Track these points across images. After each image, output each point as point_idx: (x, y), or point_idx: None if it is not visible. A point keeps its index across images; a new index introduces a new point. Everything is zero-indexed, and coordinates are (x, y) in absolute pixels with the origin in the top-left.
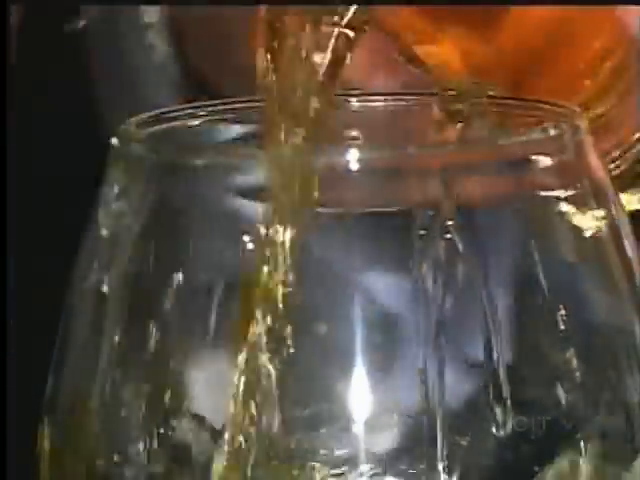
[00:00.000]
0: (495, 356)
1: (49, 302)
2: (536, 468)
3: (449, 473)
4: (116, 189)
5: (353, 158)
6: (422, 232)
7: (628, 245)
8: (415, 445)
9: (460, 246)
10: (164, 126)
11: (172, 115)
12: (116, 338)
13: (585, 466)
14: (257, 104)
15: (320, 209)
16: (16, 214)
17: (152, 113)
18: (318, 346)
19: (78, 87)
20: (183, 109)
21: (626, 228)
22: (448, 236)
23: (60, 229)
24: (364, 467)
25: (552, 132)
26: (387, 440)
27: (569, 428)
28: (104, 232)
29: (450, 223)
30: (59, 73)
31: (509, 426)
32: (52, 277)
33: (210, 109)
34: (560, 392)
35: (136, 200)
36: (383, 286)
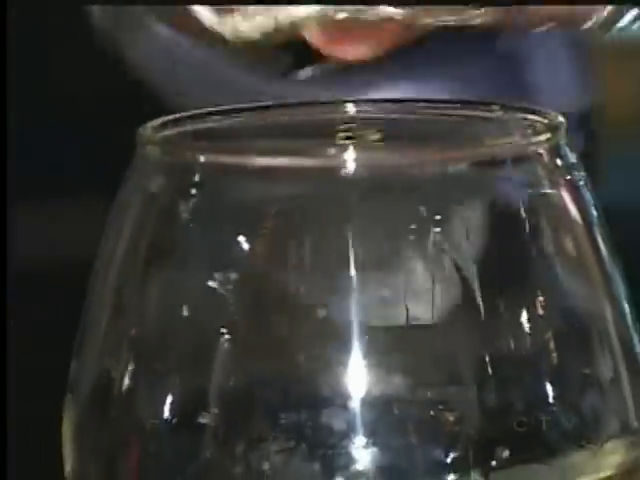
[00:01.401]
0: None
1: (49, 301)
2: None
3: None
4: (136, 186)
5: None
6: (412, 227)
7: (600, 239)
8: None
9: (444, 248)
10: (181, 129)
11: (188, 117)
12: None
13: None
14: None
15: None
16: (16, 214)
17: (170, 117)
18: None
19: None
20: (199, 113)
21: (601, 223)
22: (437, 230)
23: (61, 228)
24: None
25: (539, 136)
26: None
27: (548, 404)
28: (125, 225)
29: (437, 218)
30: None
31: (492, 400)
32: (51, 277)
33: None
34: (539, 372)
35: (154, 196)
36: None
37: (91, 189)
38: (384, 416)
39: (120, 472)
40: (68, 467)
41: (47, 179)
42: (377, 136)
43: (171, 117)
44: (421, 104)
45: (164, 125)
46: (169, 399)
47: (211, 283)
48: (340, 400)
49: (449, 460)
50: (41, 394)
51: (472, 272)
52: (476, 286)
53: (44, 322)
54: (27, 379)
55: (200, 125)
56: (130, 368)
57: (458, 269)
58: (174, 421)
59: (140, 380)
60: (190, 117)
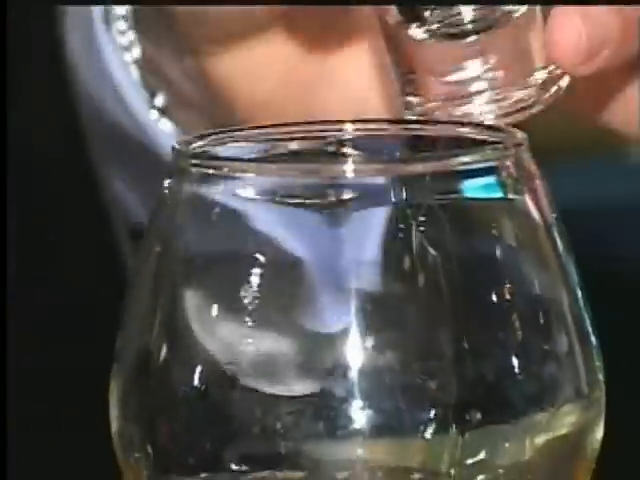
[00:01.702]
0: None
1: (49, 302)
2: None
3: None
4: (170, 193)
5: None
6: (401, 226)
7: (557, 237)
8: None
9: (428, 243)
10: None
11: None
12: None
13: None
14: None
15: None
16: (16, 214)
17: (198, 134)
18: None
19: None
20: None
21: (558, 224)
22: (421, 229)
23: (59, 229)
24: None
25: (506, 151)
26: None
27: (514, 374)
28: (161, 227)
29: (421, 219)
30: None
31: (467, 371)
32: (51, 276)
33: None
34: (506, 351)
35: (186, 202)
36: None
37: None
38: (377, 384)
39: (158, 434)
40: (114, 429)
41: (47, 179)
42: (372, 150)
43: (199, 134)
44: (410, 125)
45: (194, 141)
46: (198, 369)
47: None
48: (341, 370)
49: (431, 421)
50: (41, 394)
51: (452, 264)
52: (455, 276)
53: (44, 322)
54: (27, 379)
55: (224, 142)
56: (164, 343)
57: (439, 262)
58: (203, 388)
59: (173, 353)
60: (215, 134)
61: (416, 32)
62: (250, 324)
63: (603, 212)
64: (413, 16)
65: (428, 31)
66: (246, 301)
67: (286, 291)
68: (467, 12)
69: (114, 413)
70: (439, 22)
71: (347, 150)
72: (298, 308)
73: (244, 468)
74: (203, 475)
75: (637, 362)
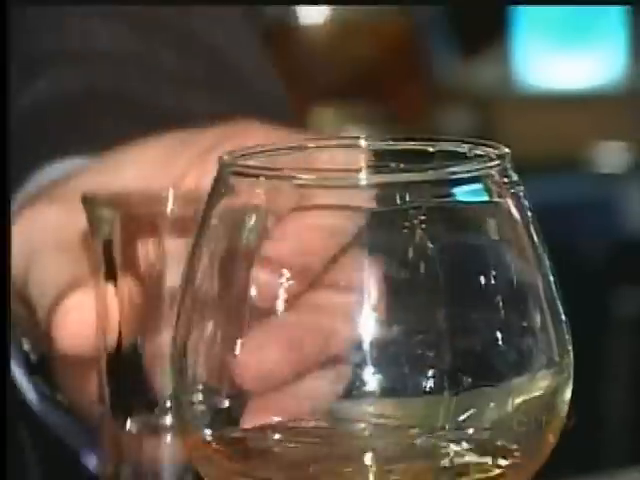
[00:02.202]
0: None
1: None
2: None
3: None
4: (216, 199)
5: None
6: (405, 224)
7: (534, 233)
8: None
9: (420, 241)
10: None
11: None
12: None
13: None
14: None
15: None
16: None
17: (241, 151)
18: None
19: None
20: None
21: (534, 222)
22: (422, 226)
23: None
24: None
25: (492, 162)
26: None
27: (498, 346)
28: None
29: (422, 218)
30: None
31: (459, 343)
32: None
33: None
34: (491, 326)
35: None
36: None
37: None
38: (385, 354)
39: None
40: (169, 392)
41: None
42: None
43: (242, 151)
44: (412, 141)
45: (239, 156)
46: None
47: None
48: (357, 342)
49: (429, 385)
50: None
51: (447, 255)
52: (449, 265)
53: None
54: None
55: (264, 157)
56: (207, 327)
57: (436, 253)
58: None
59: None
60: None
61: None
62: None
63: (567, 210)
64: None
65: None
66: None
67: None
68: None
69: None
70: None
71: (362, 162)
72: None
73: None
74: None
75: (596, 335)
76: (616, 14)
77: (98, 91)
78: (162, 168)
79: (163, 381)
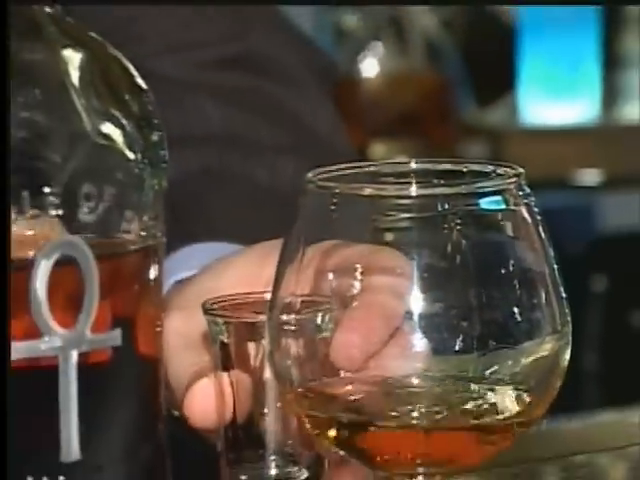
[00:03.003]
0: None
1: None
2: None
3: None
4: (303, 206)
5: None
6: (445, 226)
7: (543, 232)
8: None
9: (456, 238)
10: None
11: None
12: None
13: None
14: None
15: None
16: None
17: (322, 169)
18: None
19: None
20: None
21: (543, 224)
22: (457, 227)
23: None
24: None
25: (510, 179)
26: None
27: (514, 318)
28: (297, 227)
29: (457, 221)
30: None
31: (486, 316)
32: None
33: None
34: (510, 303)
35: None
36: None
37: None
38: (430, 323)
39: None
40: (271, 367)
41: None
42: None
43: (323, 170)
44: (447, 163)
45: (320, 173)
46: None
47: None
48: (409, 314)
49: (462, 347)
50: None
51: (476, 249)
52: (478, 257)
53: None
54: None
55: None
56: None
57: (468, 248)
58: None
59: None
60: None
61: None
62: None
63: (557, 216)
64: None
65: None
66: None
67: None
68: None
69: (269, 350)
70: None
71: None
72: None
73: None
74: None
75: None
76: (593, 71)
77: (211, 170)
78: (257, 271)
79: (267, 442)
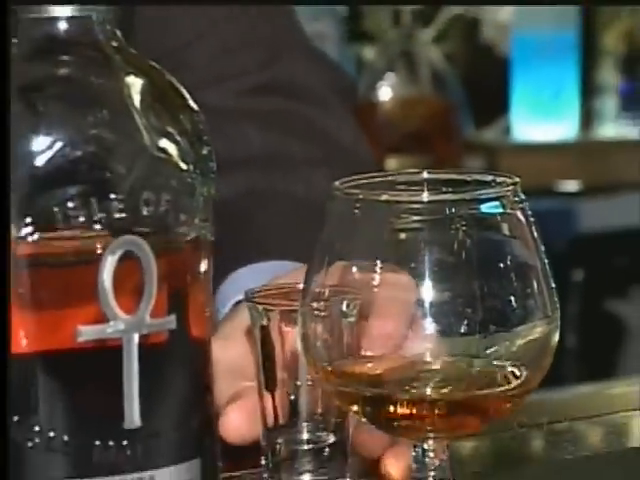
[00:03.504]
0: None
1: None
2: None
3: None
4: (330, 211)
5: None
6: (452, 227)
7: (534, 232)
8: None
9: (461, 237)
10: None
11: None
12: None
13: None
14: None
15: None
16: None
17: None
18: None
19: None
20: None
21: (535, 225)
22: (463, 228)
23: None
24: None
25: (507, 187)
26: None
27: (511, 305)
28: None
29: (462, 223)
30: None
31: (487, 303)
32: None
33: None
34: (507, 292)
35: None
36: None
37: None
38: (439, 309)
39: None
40: (302, 348)
41: None
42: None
43: (347, 179)
44: (457, 174)
45: (345, 182)
46: None
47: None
48: (420, 302)
49: (466, 330)
50: None
51: (479, 247)
52: (480, 253)
53: None
54: None
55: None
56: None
57: (472, 246)
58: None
59: None
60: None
61: None
62: None
63: (544, 218)
64: None
65: None
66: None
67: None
68: None
69: (300, 325)
70: None
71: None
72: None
73: None
74: None
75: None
76: (573, 97)
77: (255, 190)
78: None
79: (300, 411)
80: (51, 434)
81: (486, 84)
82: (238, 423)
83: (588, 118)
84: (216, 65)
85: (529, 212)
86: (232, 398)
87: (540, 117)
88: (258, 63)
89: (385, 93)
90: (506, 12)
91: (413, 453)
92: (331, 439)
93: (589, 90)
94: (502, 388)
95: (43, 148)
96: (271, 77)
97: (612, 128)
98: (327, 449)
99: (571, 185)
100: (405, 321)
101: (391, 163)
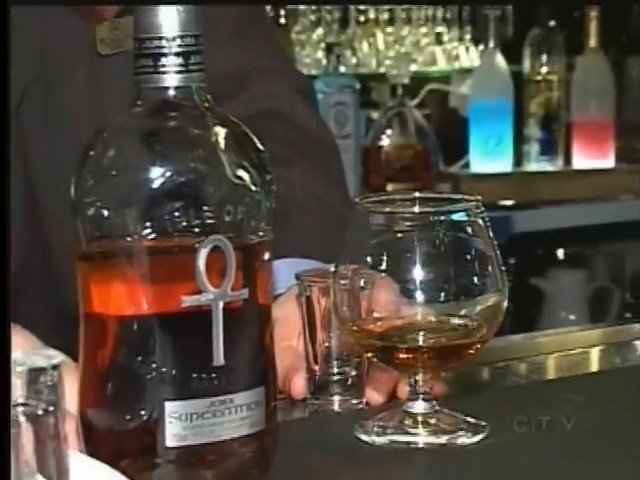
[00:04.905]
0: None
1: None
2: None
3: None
4: (354, 224)
5: None
6: (434, 231)
7: (491, 233)
8: None
9: (441, 236)
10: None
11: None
12: None
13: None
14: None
15: None
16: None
17: (364, 196)
18: None
19: None
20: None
21: (491, 228)
22: (442, 231)
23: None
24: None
25: (471, 203)
26: None
27: (474, 282)
28: (347, 242)
29: (442, 226)
30: None
31: (457, 282)
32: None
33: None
34: (472, 273)
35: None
36: None
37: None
38: (425, 286)
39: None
40: (333, 312)
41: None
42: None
43: (363, 196)
44: (439, 194)
45: (364, 198)
46: None
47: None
48: (412, 281)
49: (444, 298)
50: None
51: (453, 244)
52: (454, 249)
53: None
54: None
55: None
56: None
57: (449, 243)
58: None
59: None
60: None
61: None
62: None
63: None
64: None
65: None
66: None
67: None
68: None
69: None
70: None
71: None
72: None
73: None
74: None
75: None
76: (509, 144)
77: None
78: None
79: (332, 352)
80: (163, 369)
81: (452, 135)
82: (302, 385)
83: (519, 158)
84: (249, 93)
85: (487, 219)
86: (293, 368)
87: (488, 157)
88: (266, 95)
89: (385, 141)
90: (466, 87)
91: (409, 382)
92: (353, 373)
93: (520, 139)
94: (469, 339)
95: (158, 176)
96: (270, 107)
97: (535, 165)
98: (350, 380)
99: (508, 202)
100: (400, 296)
101: (390, 187)
